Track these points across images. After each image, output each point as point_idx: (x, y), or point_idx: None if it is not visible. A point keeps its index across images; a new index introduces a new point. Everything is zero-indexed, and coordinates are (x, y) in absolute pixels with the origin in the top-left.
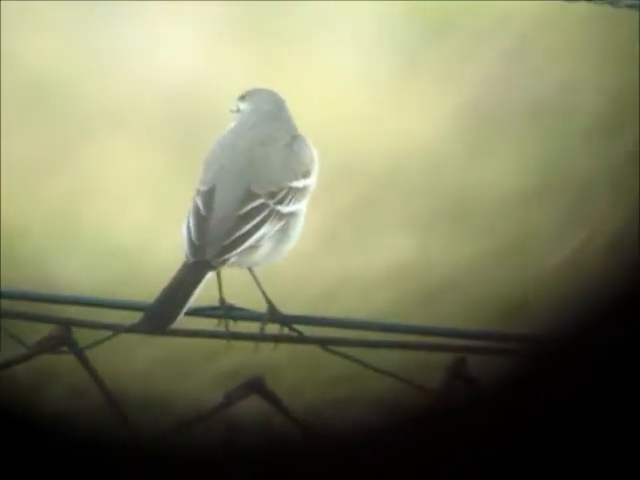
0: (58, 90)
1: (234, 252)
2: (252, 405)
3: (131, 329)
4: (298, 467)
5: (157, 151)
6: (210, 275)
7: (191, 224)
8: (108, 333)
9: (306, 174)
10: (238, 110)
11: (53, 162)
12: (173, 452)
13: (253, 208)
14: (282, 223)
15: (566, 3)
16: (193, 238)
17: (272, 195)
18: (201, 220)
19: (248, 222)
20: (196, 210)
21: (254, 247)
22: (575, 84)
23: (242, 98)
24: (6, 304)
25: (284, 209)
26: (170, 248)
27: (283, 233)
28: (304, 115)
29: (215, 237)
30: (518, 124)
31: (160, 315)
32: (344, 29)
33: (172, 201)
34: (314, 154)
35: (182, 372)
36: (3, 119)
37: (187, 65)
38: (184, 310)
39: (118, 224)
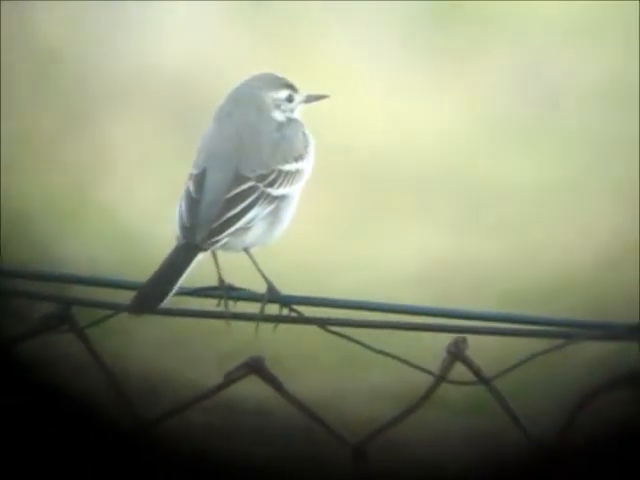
0: (67, 70)
1: (223, 234)
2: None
3: (126, 308)
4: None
5: (164, 133)
6: (207, 256)
7: (182, 206)
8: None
9: (299, 158)
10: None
11: (60, 143)
12: (172, 432)
13: (242, 190)
14: (273, 206)
15: None
16: (184, 220)
17: (262, 178)
18: (192, 202)
19: (237, 204)
20: (187, 193)
21: (244, 229)
22: (593, 71)
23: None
24: (9, 282)
25: (274, 192)
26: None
27: (274, 216)
28: (316, 101)
29: (205, 219)
30: (540, 114)
31: (149, 295)
32: (356, 15)
33: (178, 183)
34: (309, 138)
35: (182, 352)
36: (11, 98)
37: (196, 48)
38: (173, 291)
39: (124, 205)
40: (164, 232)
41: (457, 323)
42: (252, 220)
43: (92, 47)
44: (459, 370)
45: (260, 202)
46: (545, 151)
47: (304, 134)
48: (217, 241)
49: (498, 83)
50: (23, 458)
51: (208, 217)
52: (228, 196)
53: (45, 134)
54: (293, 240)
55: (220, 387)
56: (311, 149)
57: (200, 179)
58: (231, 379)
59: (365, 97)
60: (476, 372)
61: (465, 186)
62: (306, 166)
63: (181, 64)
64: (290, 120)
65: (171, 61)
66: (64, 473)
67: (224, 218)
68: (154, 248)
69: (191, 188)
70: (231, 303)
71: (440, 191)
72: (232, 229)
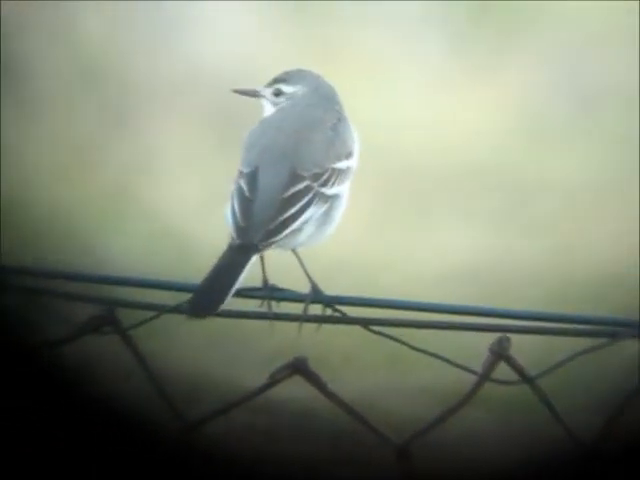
0: (111, 71)
1: (280, 235)
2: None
3: (175, 309)
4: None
5: (206, 133)
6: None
7: (235, 206)
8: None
9: (349, 155)
10: (280, 93)
11: (104, 144)
12: (216, 433)
13: (298, 190)
14: (326, 206)
15: None
16: (238, 220)
17: (317, 177)
18: (246, 202)
19: (293, 205)
20: (240, 192)
21: (298, 230)
22: (628, 69)
23: (285, 81)
24: (53, 283)
25: (328, 191)
26: (220, 229)
27: (326, 215)
28: (352, 98)
29: (260, 220)
30: (577, 107)
31: (208, 298)
32: (393, 13)
33: (220, 183)
34: (355, 134)
35: (225, 353)
36: (57, 99)
37: (237, 49)
38: (231, 293)
39: (167, 205)
40: (207, 232)
41: (501, 322)
42: (308, 220)
43: (135, 49)
44: (499, 368)
45: (315, 202)
46: (581, 148)
47: (352, 131)
48: (274, 241)
49: (534, 81)
50: (68, 458)
51: (263, 217)
52: (285, 196)
53: (89, 135)
54: (331, 239)
55: (264, 388)
56: (357, 146)
57: (253, 177)
58: (275, 380)
59: (401, 95)
60: (519, 371)
61: (502, 184)
62: (354, 163)
63: (223, 64)
64: (341, 118)
65: (213, 62)
66: (107, 474)
67: (281, 218)
68: (197, 248)
69: (244, 187)
70: (274, 304)
71: (477, 189)
72: (289, 230)
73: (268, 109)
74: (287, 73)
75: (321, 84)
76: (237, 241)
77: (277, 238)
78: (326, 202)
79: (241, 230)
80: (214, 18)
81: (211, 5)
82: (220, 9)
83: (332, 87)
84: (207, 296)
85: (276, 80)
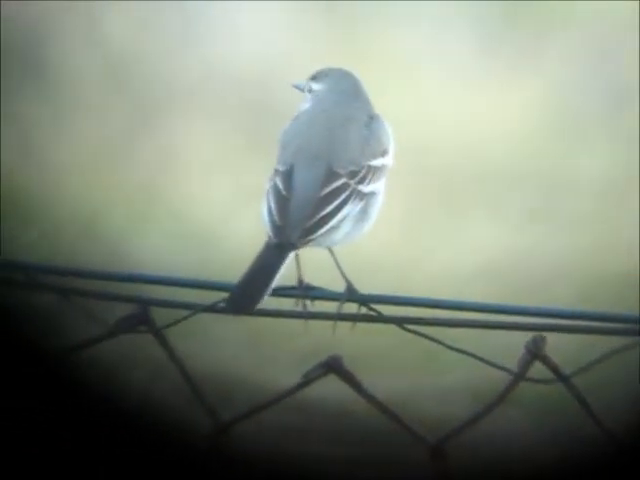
0: (138, 71)
1: (318, 233)
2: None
3: (210, 308)
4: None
5: (235, 133)
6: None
7: (272, 204)
8: (187, 313)
9: (384, 153)
10: (311, 90)
11: (132, 144)
12: (250, 432)
13: (336, 188)
14: (363, 203)
15: None
16: (275, 219)
17: (353, 174)
18: (283, 200)
19: (330, 202)
20: (276, 190)
21: (335, 227)
22: None
23: (315, 78)
24: (85, 283)
25: (365, 188)
26: (249, 228)
27: (363, 212)
28: (380, 97)
29: (298, 218)
30: (606, 105)
31: (245, 296)
32: (425, 13)
33: (250, 182)
34: (390, 133)
35: (260, 352)
36: (84, 99)
37: (266, 49)
38: (269, 291)
39: (196, 205)
40: (237, 231)
41: (533, 321)
42: (345, 218)
43: (163, 48)
44: (534, 367)
45: (352, 199)
46: (614, 147)
47: (387, 129)
48: (311, 240)
49: (567, 80)
50: (103, 457)
51: (300, 215)
52: (322, 194)
53: (117, 135)
54: (364, 238)
55: (299, 386)
56: (393, 144)
57: (288, 176)
58: (310, 378)
59: (434, 95)
60: (554, 370)
61: (534, 182)
62: (390, 161)
63: (251, 65)
64: (374, 116)
65: (241, 62)
66: (142, 473)
67: (318, 216)
68: (227, 247)
69: (280, 185)
70: (308, 302)
71: (510, 187)
72: (326, 227)
73: (304, 105)
74: (320, 71)
75: (352, 82)
76: (274, 240)
77: (314, 236)
78: (362, 200)
79: (278, 229)
80: (244, 19)
81: (241, 6)
82: (250, 11)
83: (362, 85)
84: (245, 294)
85: (311, 77)
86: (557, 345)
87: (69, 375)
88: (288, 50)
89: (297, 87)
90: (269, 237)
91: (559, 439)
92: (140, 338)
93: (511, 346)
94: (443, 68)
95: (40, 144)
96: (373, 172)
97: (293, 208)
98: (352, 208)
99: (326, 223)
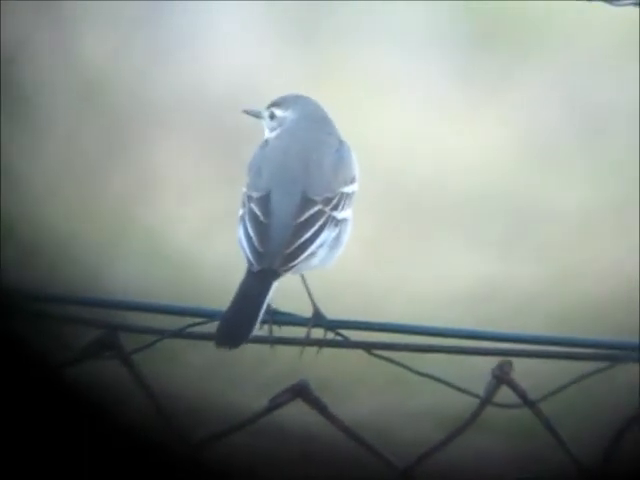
0: (112, 96)
1: (298, 260)
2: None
3: (178, 334)
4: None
5: (208, 158)
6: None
7: (251, 231)
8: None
9: (353, 180)
10: (273, 117)
11: (106, 168)
12: (217, 456)
13: (311, 215)
14: (337, 229)
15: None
16: (256, 245)
17: (328, 201)
18: (262, 227)
19: (308, 229)
20: (254, 216)
21: (313, 254)
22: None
23: (279, 104)
24: (58, 308)
25: (339, 215)
26: (223, 251)
27: (337, 239)
28: (357, 121)
29: (277, 244)
30: (583, 135)
31: (237, 326)
32: (394, 33)
33: (223, 206)
34: (355, 160)
35: (227, 376)
36: (59, 120)
37: (239, 73)
38: (259, 319)
39: (169, 229)
40: (209, 255)
41: (502, 346)
42: (322, 244)
43: (137, 74)
44: (503, 392)
45: (328, 226)
46: (591, 173)
47: (353, 155)
48: (293, 266)
49: (543, 105)
50: None
51: (280, 242)
52: (299, 220)
53: (90, 159)
54: (338, 263)
55: (266, 411)
56: (358, 170)
57: (265, 202)
58: (277, 403)
59: (409, 120)
60: (522, 395)
61: (511, 209)
62: (357, 188)
63: (226, 89)
64: (342, 142)
65: (217, 86)
66: None
67: (297, 243)
68: (200, 271)
69: (257, 212)
70: (276, 327)
71: (486, 214)
72: (306, 254)
73: (266, 132)
74: (283, 98)
75: (318, 108)
76: (256, 266)
77: (295, 262)
78: (337, 226)
79: (260, 255)
80: (218, 45)
81: (216, 32)
82: (224, 37)
83: (326, 113)
84: (235, 326)
85: (272, 104)
86: (530, 370)
87: (38, 398)
88: (263, 74)
89: (250, 113)
90: (250, 264)
91: (528, 464)
92: (110, 360)
93: (482, 370)
94: (419, 93)
95: (14, 166)
96: (345, 199)
97: (272, 235)
98: (328, 234)
99: (305, 249)
